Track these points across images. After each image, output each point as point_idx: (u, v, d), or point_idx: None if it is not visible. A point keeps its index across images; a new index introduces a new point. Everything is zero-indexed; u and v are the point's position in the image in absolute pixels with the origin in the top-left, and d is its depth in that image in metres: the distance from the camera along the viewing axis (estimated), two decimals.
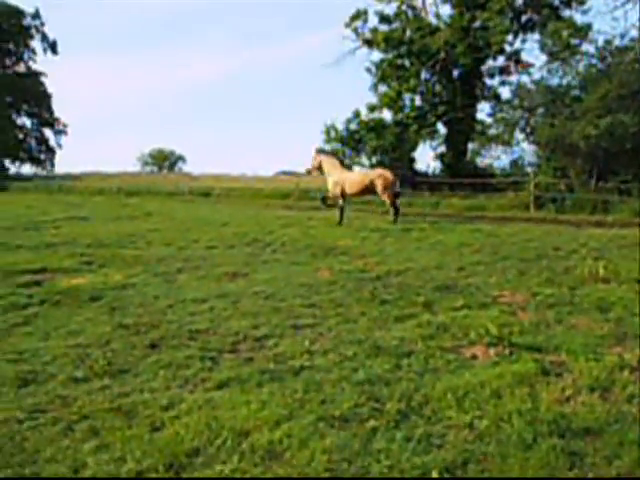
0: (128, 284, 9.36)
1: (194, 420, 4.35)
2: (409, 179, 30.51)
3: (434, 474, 3.64)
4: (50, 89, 64.79)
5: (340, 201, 19.22)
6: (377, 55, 36.98)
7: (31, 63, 64.46)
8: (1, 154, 58.75)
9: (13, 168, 63.78)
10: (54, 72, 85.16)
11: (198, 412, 4.51)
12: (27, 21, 62.26)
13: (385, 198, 18.95)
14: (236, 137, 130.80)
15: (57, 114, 65.62)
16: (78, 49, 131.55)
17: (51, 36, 63.22)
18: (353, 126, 36.74)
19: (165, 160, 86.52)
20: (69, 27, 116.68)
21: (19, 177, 57.75)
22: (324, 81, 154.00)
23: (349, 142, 36.47)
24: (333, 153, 19.44)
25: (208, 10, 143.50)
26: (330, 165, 19.81)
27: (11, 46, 62.43)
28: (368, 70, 36.94)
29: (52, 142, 66.02)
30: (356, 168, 36.76)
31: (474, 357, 5.80)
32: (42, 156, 65.55)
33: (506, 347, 5.96)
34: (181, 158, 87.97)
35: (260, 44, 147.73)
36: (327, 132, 37.07)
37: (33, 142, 65.34)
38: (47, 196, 38.02)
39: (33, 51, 64.01)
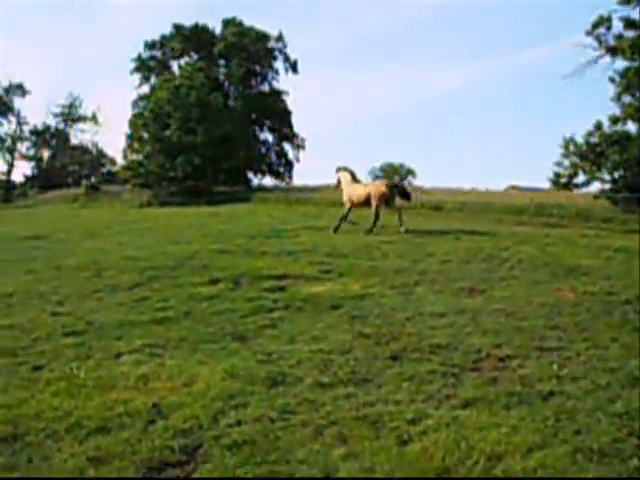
0: (366, 294, 9.54)
1: (442, 438, 4.28)
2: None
3: None
4: (290, 106, 68.51)
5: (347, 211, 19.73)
6: (620, 63, 34.65)
7: (274, 82, 68.72)
8: (246, 167, 63.04)
9: (255, 180, 68.19)
10: (294, 90, 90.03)
11: (446, 429, 4.44)
12: (271, 44, 66.55)
13: (374, 208, 18.88)
14: (466, 150, 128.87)
15: (296, 129, 69.17)
16: (317, 67, 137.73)
17: (292, 56, 66.96)
18: (594, 139, 34.71)
19: (395, 173, 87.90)
20: (309, 46, 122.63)
21: (261, 188, 61.56)
22: (559, 92, 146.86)
23: (589, 156, 34.52)
24: (347, 169, 19.60)
25: (435, 25, 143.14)
26: (344, 179, 20.12)
27: (257, 68, 67.07)
28: (611, 80, 34.71)
29: (291, 156, 69.63)
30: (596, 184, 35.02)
31: None
32: (281, 169, 69.35)
33: None
34: (411, 172, 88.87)
35: (489, 56, 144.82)
36: (566, 146, 35.41)
37: (273, 156, 69.40)
38: (286, 206, 40.04)
39: (276, 71, 68.18)
